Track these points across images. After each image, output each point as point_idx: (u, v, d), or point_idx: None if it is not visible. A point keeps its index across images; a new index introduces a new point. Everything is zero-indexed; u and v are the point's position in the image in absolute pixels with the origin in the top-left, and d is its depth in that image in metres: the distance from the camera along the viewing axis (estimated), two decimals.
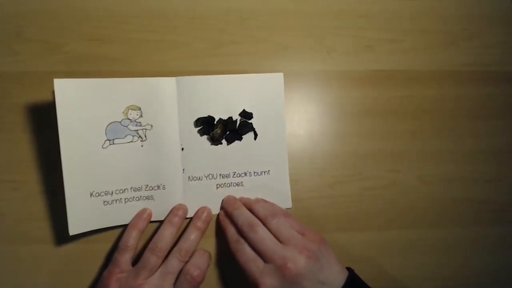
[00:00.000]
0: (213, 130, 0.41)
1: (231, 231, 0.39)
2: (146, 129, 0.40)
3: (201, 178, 0.41)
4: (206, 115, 0.41)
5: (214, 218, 0.42)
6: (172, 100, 0.41)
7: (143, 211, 0.40)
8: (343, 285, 0.34)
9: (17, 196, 0.41)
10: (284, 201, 0.42)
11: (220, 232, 0.41)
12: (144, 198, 0.40)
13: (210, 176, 0.42)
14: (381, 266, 0.43)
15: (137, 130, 0.40)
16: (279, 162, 0.42)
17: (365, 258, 0.43)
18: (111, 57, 0.43)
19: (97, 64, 0.43)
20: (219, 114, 0.42)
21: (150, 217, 0.40)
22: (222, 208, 0.42)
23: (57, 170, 0.37)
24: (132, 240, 0.38)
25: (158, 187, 0.40)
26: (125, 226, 0.39)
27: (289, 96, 0.44)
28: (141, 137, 0.40)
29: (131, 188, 0.40)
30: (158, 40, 0.44)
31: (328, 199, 0.43)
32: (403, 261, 0.43)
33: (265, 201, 0.41)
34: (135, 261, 0.38)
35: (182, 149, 0.41)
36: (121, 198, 0.39)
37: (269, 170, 0.42)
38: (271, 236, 0.36)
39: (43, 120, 0.42)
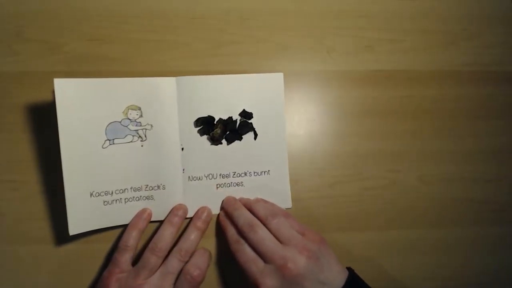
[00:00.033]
0: (213, 130, 0.41)
1: (231, 232, 0.39)
2: (146, 129, 0.40)
3: (201, 178, 0.41)
4: (206, 115, 0.41)
5: (214, 218, 0.42)
6: (172, 100, 0.41)
7: (143, 211, 0.40)
8: (343, 285, 0.34)
9: (17, 196, 0.41)
10: (284, 201, 0.42)
11: (220, 232, 0.41)
12: (144, 198, 0.40)
13: (210, 176, 0.42)
14: (381, 266, 0.43)
15: (137, 130, 0.40)
16: (279, 162, 0.42)
17: (365, 258, 0.43)
18: (111, 57, 0.43)
19: (97, 64, 0.43)
20: (219, 114, 0.42)
21: (150, 217, 0.40)
22: (222, 208, 0.42)
23: (57, 170, 0.37)
24: (132, 240, 0.38)
25: (158, 187, 0.40)
26: (125, 226, 0.39)
27: (289, 96, 0.44)
28: (141, 137, 0.40)
29: (131, 188, 0.40)
30: (158, 40, 0.44)
31: (328, 199, 0.43)
32: (403, 261, 0.43)
33: (265, 201, 0.41)
34: (135, 261, 0.38)
35: (182, 149, 0.41)
36: (121, 198, 0.39)
37: (269, 170, 0.42)
38: (271, 236, 0.36)
39: (43, 120, 0.42)
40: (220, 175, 0.42)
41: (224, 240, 0.40)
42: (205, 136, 0.41)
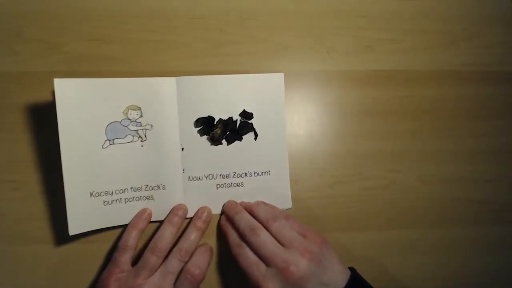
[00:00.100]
0: (213, 130, 0.41)
1: (232, 236, 0.39)
2: (146, 129, 0.40)
3: (201, 178, 0.41)
4: (206, 115, 0.41)
5: (214, 218, 0.42)
6: (172, 100, 0.41)
7: (143, 211, 0.40)
8: (345, 285, 0.34)
9: (17, 196, 0.41)
10: (284, 201, 0.42)
11: (220, 232, 0.41)
12: (144, 198, 0.40)
13: (210, 176, 0.42)
14: (381, 266, 0.43)
15: (137, 130, 0.40)
16: (279, 162, 0.42)
17: (365, 258, 0.43)
18: (111, 57, 0.43)
19: (97, 64, 0.43)
20: (219, 114, 0.42)
21: (150, 217, 0.40)
22: (223, 212, 0.42)
23: (57, 170, 0.37)
24: (132, 240, 0.38)
25: (158, 187, 0.40)
26: (125, 226, 0.39)
27: (289, 96, 0.44)
28: (141, 137, 0.40)
29: (131, 188, 0.40)
30: (158, 40, 0.44)
31: (328, 199, 0.43)
32: (403, 261, 0.43)
33: (265, 204, 0.41)
34: (135, 261, 0.38)
35: (182, 149, 0.41)
36: (121, 198, 0.39)
37: (269, 171, 0.42)
38: (273, 239, 0.36)
39: (43, 120, 0.42)
40: (220, 175, 0.42)
41: (224, 240, 0.40)
42: (205, 136, 0.41)
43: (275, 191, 0.42)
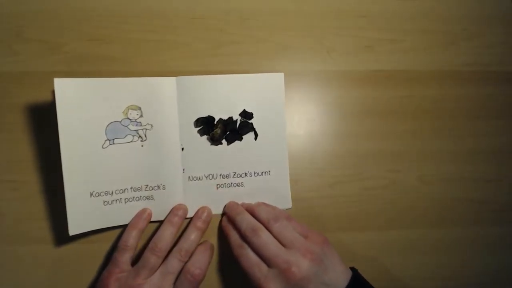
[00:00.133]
0: (213, 130, 0.41)
1: (234, 236, 0.39)
2: (146, 129, 0.40)
3: (201, 178, 0.41)
4: (206, 115, 0.41)
5: (214, 218, 0.42)
6: (172, 100, 0.41)
7: (143, 211, 0.40)
8: (346, 285, 0.34)
9: (17, 196, 0.41)
10: (284, 201, 0.42)
11: (220, 233, 0.41)
12: (144, 198, 0.40)
13: (210, 176, 0.42)
14: (381, 266, 0.43)
15: (137, 130, 0.40)
16: (279, 162, 0.42)
17: (365, 258, 0.43)
18: (111, 57, 0.43)
19: (97, 64, 0.43)
20: (219, 114, 0.42)
21: (150, 217, 0.40)
22: (224, 213, 0.42)
23: (57, 170, 0.37)
24: (132, 240, 0.38)
25: (158, 187, 0.40)
26: (125, 226, 0.39)
27: (289, 96, 0.44)
28: (141, 137, 0.40)
29: (131, 188, 0.40)
30: (158, 40, 0.44)
31: (328, 199, 0.43)
32: (403, 261, 0.43)
33: (266, 205, 0.41)
34: (135, 261, 0.38)
35: (182, 149, 0.41)
36: (121, 198, 0.39)
37: (269, 171, 0.42)
38: (274, 240, 0.36)
39: (43, 120, 0.42)
40: (220, 175, 0.42)
41: (225, 241, 0.40)
42: (205, 136, 0.41)
43: (275, 191, 0.42)
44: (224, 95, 0.42)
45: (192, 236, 0.39)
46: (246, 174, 0.42)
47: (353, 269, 0.37)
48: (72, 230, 0.37)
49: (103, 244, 0.41)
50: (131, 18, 0.44)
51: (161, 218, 0.40)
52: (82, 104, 0.37)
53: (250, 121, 0.42)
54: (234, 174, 0.42)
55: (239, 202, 0.42)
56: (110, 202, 0.39)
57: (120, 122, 0.39)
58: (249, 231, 0.37)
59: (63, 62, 0.43)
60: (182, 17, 0.44)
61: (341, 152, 0.44)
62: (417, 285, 0.43)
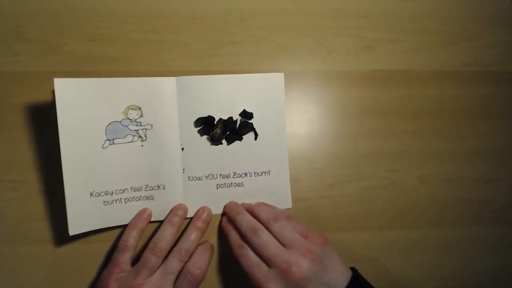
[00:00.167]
0: (213, 130, 0.41)
1: (234, 236, 0.39)
2: (146, 129, 0.40)
3: (201, 178, 0.41)
4: (206, 115, 0.41)
5: (214, 218, 0.42)
6: (172, 100, 0.41)
7: (143, 211, 0.40)
8: (346, 285, 0.34)
9: (17, 196, 0.41)
10: (284, 201, 0.42)
11: (220, 233, 0.41)
12: (144, 198, 0.40)
13: (210, 176, 0.42)
14: (381, 266, 0.43)
15: (137, 130, 0.40)
16: (279, 162, 0.42)
17: (365, 258, 0.43)
18: (111, 57, 0.43)
19: (97, 64, 0.43)
20: (219, 114, 0.42)
21: (150, 217, 0.40)
22: (224, 213, 0.42)
23: (57, 170, 0.37)
24: (132, 240, 0.38)
25: (158, 187, 0.40)
26: (125, 226, 0.39)
27: (289, 96, 0.44)
28: (141, 137, 0.40)
29: (131, 188, 0.40)
30: (158, 40, 0.44)
31: (328, 199, 0.43)
32: (403, 261, 0.43)
33: (266, 205, 0.41)
34: (135, 261, 0.38)
35: (182, 149, 0.41)
36: (121, 198, 0.39)
37: (269, 171, 0.42)
38: (274, 240, 0.36)
39: (43, 120, 0.42)
40: (220, 175, 0.42)
41: (225, 241, 0.40)
42: (205, 136, 0.41)
43: (275, 191, 0.42)
44: (224, 95, 0.42)
45: (192, 236, 0.39)
46: (246, 174, 0.42)
47: (353, 269, 0.37)
48: (72, 230, 0.37)
49: (103, 244, 0.41)
50: (131, 18, 0.44)
51: (161, 218, 0.40)
52: (82, 104, 0.37)
53: (250, 121, 0.42)
54: (234, 174, 0.42)
55: (239, 202, 0.42)
56: (110, 202, 0.39)
57: (120, 122, 0.39)
58: (249, 231, 0.37)
59: (63, 62, 0.43)
60: (182, 17, 0.44)
61: (341, 152, 0.44)
62: (417, 285, 0.43)
